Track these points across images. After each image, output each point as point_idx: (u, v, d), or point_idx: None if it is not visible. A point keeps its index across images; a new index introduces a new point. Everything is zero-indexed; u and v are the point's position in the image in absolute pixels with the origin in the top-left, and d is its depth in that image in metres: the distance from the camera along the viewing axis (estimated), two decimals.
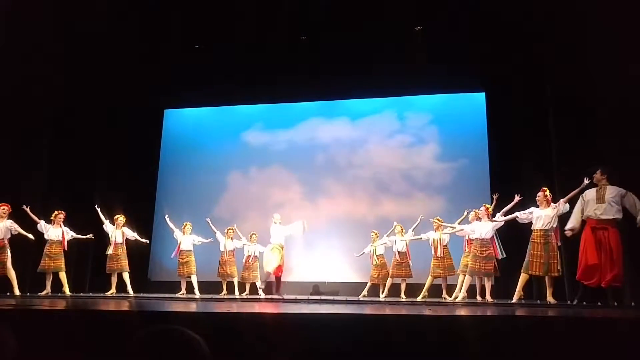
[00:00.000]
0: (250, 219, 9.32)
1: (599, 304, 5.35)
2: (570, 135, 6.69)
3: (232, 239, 8.36)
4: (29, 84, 7.56)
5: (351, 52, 8.45)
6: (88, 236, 7.72)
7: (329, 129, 9.57)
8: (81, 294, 7.55)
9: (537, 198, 6.21)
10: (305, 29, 8.60)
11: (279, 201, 9.38)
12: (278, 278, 8.22)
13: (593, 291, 5.50)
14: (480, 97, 8.89)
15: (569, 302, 6.14)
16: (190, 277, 8.05)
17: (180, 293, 7.95)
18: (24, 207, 7.23)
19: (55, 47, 7.76)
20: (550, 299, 5.89)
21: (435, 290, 7.36)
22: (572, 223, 5.74)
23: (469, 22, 7.69)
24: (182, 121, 10.26)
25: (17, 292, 6.91)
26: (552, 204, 6.07)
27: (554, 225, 6.02)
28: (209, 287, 8.24)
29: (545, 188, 6.20)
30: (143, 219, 8.92)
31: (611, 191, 5.50)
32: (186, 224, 8.26)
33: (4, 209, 7.03)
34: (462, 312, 4.22)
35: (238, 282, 8.28)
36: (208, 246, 8.37)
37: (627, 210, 5.52)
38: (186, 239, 8.17)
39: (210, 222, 8.41)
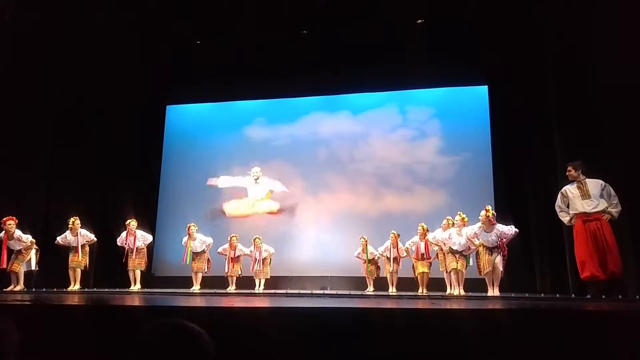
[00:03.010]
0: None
1: (603, 297, 5.34)
2: (573, 128, 6.65)
3: (235, 249, 8.05)
4: (29, 81, 7.57)
5: (353, 46, 8.43)
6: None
7: (331, 123, 9.55)
8: (85, 289, 7.60)
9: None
10: (307, 23, 8.58)
11: (280, 196, 9.38)
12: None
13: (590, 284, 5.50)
14: (483, 90, 8.86)
15: (572, 295, 6.14)
16: (197, 273, 7.96)
17: (193, 288, 7.84)
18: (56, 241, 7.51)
19: (56, 44, 7.77)
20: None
21: (437, 286, 7.33)
22: (566, 218, 5.73)
23: (471, 15, 7.66)
24: (184, 117, 10.24)
25: (16, 287, 7.01)
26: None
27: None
28: (213, 281, 8.25)
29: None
30: (146, 214, 8.92)
31: (593, 186, 5.51)
32: (190, 226, 7.93)
33: (10, 223, 6.91)
34: (468, 305, 4.23)
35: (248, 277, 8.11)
36: (215, 244, 8.23)
37: (628, 203, 5.50)
38: (195, 243, 7.92)
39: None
